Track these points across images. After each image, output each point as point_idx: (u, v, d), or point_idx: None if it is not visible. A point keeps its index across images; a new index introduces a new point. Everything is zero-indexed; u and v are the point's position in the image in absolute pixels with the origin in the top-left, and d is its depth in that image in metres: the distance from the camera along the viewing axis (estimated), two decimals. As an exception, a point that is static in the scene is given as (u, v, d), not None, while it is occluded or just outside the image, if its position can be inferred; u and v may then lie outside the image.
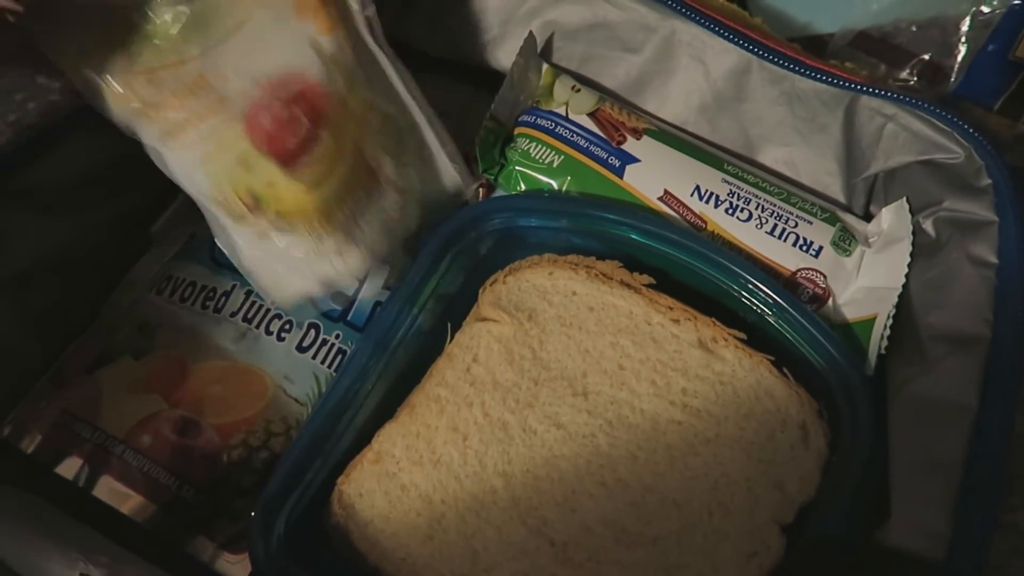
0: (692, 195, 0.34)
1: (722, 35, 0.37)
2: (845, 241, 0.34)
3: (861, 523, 0.28)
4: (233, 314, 0.36)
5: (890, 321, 0.32)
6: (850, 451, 0.28)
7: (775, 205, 0.34)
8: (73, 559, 0.25)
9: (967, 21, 0.41)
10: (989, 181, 0.32)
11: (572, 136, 0.36)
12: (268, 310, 0.36)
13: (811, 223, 0.34)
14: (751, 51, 0.37)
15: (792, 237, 0.34)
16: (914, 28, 0.42)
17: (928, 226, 0.34)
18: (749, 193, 0.35)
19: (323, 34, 0.31)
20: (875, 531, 0.28)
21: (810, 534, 0.27)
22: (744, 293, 0.30)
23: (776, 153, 0.39)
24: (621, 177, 0.35)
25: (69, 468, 0.33)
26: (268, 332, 0.36)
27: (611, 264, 0.32)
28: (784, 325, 0.30)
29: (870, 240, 0.35)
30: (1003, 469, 0.27)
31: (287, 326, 0.36)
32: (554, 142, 0.36)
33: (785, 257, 0.34)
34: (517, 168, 0.36)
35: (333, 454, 0.30)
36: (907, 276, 0.33)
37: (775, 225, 0.34)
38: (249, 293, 0.37)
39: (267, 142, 0.30)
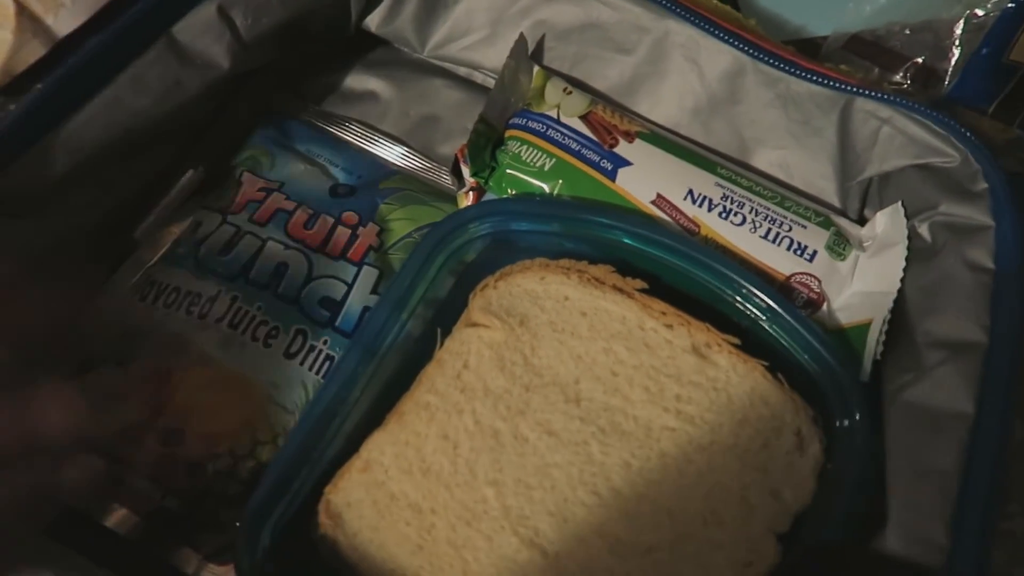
0: (685, 199, 0.34)
1: (717, 36, 0.37)
2: (839, 245, 0.34)
3: (857, 531, 0.27)
4: (218, 320, 0.36)
5: (885, 326, 0.32)
6: (846, 458, 0.28)
7: (769, 209, 0.34)
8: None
9: (960, 24, 0.41)
10: (985, 185, 0.32)
11: (564, 139, 0.36)
12: (254, 316, 0.36)
13: (805, 227, 0.34)
14: (746, 52, 0.37)
15: (786, 241, 0.33)
16: (907, 31, 0.42)
17: (924, 231, 0.34)
18: (743, 197, 0.34)
19: None
20: (872, 539, 0.27)
21: (805, 542, 0.27)
22: (738, 298, 0.30)
23: (770, 156, 0.39)
24: (613, 180, 0.34)
25: (47, 479, 0.32)
26: (254, 339, 0.35)
27: (604, 268, 0.31)
28: (778, 330, 0.29)
29: (865, 244, 0.35)
30: (1000, 478, 0.26)
31: (274, 332, 0.35)
32: (545, 145, 0.35)
33: (779, 261, 0.33)
34: (508, 171, 0.35)
35: (321, 463, 0.29)
36: (902, 281, 0.32)
37: (769, 229, 0.34)
38: (235, 299, 0.36)
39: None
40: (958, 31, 0.41)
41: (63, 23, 0.45)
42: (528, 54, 0.40)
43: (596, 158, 0.35)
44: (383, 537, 0.28)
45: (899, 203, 0.35)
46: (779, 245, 0.33)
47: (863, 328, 0.32)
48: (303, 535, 0.29)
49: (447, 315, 0.33)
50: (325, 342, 0.35)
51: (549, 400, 0.29)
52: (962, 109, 0.42)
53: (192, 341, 0.35)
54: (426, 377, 0.30)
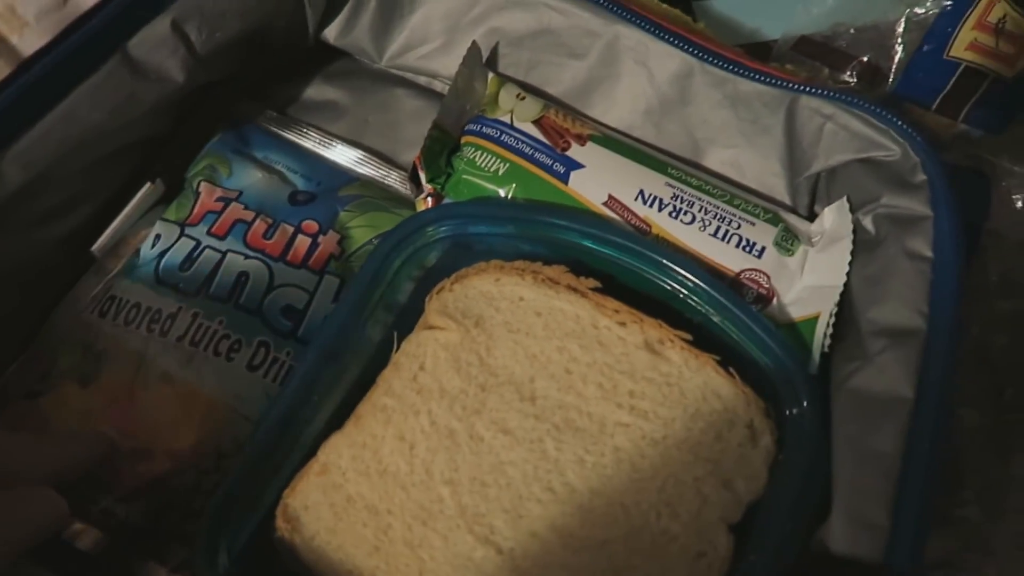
0: (636, 199, 0.34)
1: (665, 39, 0.38)
2: (787, 241, 0.35)
3: (808, 521, 0.28)
4: (180, 338, 0.35)
5: (832, 319, 0.32)
6: (796, 449, 0.28)
7: (718, 207, 0.35)
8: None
9: (902, 23, 0.42)
10: (924, 177, 0.33)
11: (517, 144, 0.36)
12: (216, 331, 0.36)
13: (754, 224, 0.35)
14: (693, 55, 0.37)
15: (735, 239, 0.34)
16: (853, 31, 0.43)
17: (868, 223, 0.34)
18: (692, 196, 0.35)
19: None
20: (819, 527, 0.28)
21: (757, 532, 0.27)
22: (689, 294, 0.31)
23: (722, 155, 0.40)
24: (566, 183, 0.35)
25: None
26: (216, 353, 0.35)
27: (558, 269, 0.32)
28: (729, 325, 0.30)
29: (813, 240, 0.36)
30: (938, 461, 0.27)
31: (236, 345, 0.35)
32: (500, 150, 0.36)
33: (729, 258, 0.34)
34: (464, 176, 0.36)
35: (282, 470, 0.29)
36: (848, 274, 0.33)
37: (718, 227, 0.34)
38: (196, 316, 0.36)
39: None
40: (900, 30, 0.42)
41: (28, 42, 0.45)
42: (482, 61, 0.40)
43: (549, 161, 0.35)
44: (340, 539, 0.28)
45: (844, 198, 0.35)
46: (728, 243, 0.34)
47: (812, 321, 0.33)
48: (268, 542, 0.29)
49: (408, 320, 0.33)
50: (288, 353, 0.36)
51: (504, 399, 0.29)
52: (908, 105, 0.43)
53: (154, 359, 0.35)
54: (383, 380, 0.31)
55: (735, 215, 0.35)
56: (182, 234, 0.39)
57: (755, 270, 0.34)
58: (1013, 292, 0.42)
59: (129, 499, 0.32)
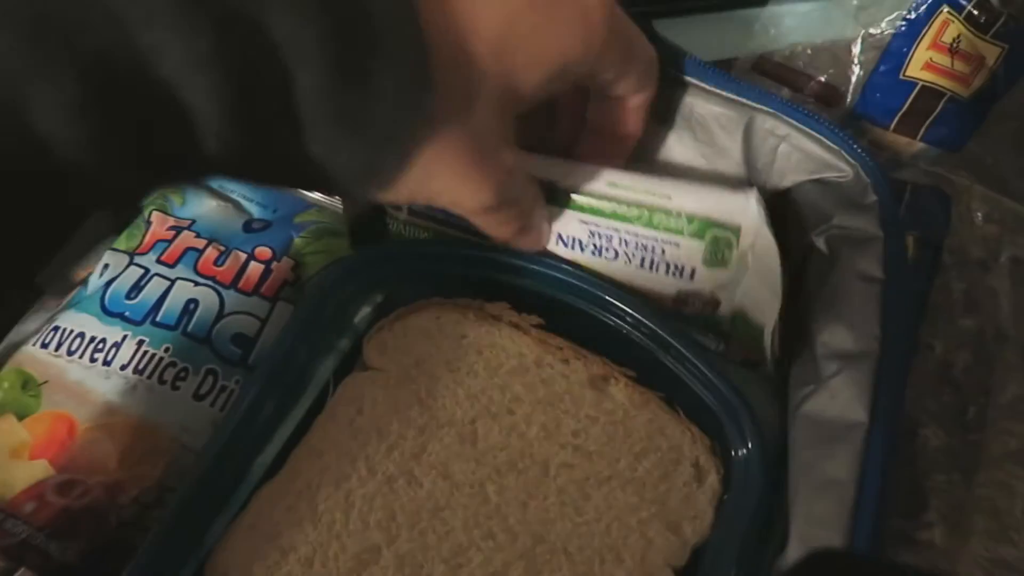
0: (557, 244, 0.33)
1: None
2: (718, 254, 0.33)
3: (753, 564, 0.27)
4: (123, 367, 0.35)
5: (776, 327, 0.32)
6: (742, 489, 0.28)
7: (637, 234, 0.33)
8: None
9: (859, 43, 0.42)
10: (875, 198, 0.33)
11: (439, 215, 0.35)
12: (161, 359, 0.35)
13: (678, 245, 0.33)
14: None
15: (663, 266, 0.33)
16: (809, 51, 0.42)
17: (822, 243, 0.34)
18: (609, 228, 0.33)
19: None
20: (777, 557, 0.27)
21: (702, 576, 0.27)
22: (632, 330, 0.30)
23: (681, 177, 0.39)
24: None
25: (-59, 544, 0.31)
26: (162, 381, 0.35)
27: (500, 306, 0.31)
28: (674, 361, 0.29)
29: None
30: (892, 486, 0.27)
31: (183, 373, 0.35)
32: (422, 222, 0.34)
33: (663, 284, 0.33)
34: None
35: (229, 507, 0.28)
36: (791, 284, 0.32)
37: (643, 258, 0.33)
38: (141, 343, 0.35)
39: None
40: (857, 50, 0.42)
41: None
42: None
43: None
44: (273, 595, 0.27)
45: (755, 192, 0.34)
46: (657, 272, 0.33)
47: (760, 325, 0.32)
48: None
49: (348, 361, 0.32)
50: (237, 381, 0.35)
51: (444, 443, 0.29)
52: (866, 124, 0.43)
53: (96, 390, 0.34)
54: (318, 425, 0.30)
55: (656, 239, 0.33)
56: (131, 263, 0.39)
57: (691, 291, 0.33)
58: (975, 309, 0.42)
59: (62, 536, 0.31)
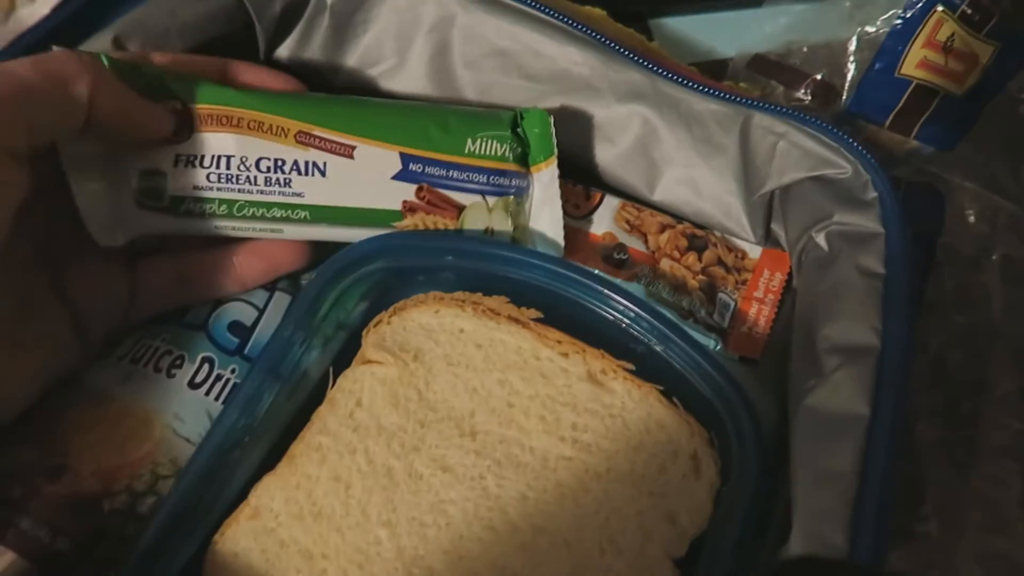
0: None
1: (619, 57, 0.37)
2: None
3: (750, 556, 0.27)
4: (120, 358, 0.35)
5: None
6: (741, 480, 0.28)
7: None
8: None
9: (854, 41, 0.42)
10: (875, 194, 0.33)
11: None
12: (157, 348, 0.35)
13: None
14: (647, 71, 0.37)
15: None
16: (805, 49, 0.43)
17: (821, 240, 0.34)
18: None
19: None
20: (779, 548, 0.28)
21: (702, 567, 0.27)
22: (631, 324, 0.30)
23: (679, 174, 0.39)
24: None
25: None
26: (157, 369, 0.34)
27: (498, 300, 0.31)
28: (671, 355, 0.29)
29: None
30: (894, 479, 0.27)
31: (178, 361, 0.34)
32: None
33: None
34: None
35: (211, 512, 0.29)
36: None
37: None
38: (141, 338, 0.35)
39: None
40: (852, 48, 0.42)
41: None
42: None
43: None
44: (273, 586, 0.27)
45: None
46: None
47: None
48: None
49: (347, 354, 0.32)
50: (233, 370, 0.35)
51: (444, 435, 0.29)
52: (861, 123, 0.43)
53: (89, 378, 0.34)
54: (318, 417, 0.30)
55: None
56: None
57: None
58: (968, 306, 0.42)
59: (54, 523, 0.31)
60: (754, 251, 0.38)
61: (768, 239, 0.39)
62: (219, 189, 0.31)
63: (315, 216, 0.32)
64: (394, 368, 0.30)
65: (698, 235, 0.38)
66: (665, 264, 0.37)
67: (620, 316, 0.30)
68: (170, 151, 0.31)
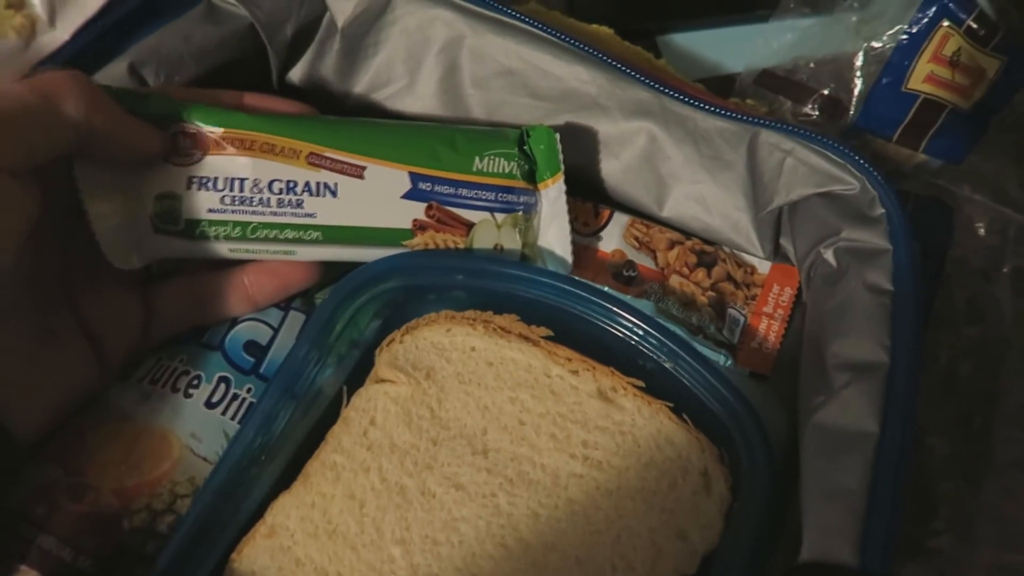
0: None
1: (625, 77, 0.38)
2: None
3: (767, 568, 0.27)
4: (140, 379, 0.35)
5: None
6: (751, 497, 0.28)
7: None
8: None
9: (860, 56, 0.42)
10: (882, 211, 0.33)
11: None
12: (175, 368, 0.35)
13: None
14: (654, 90, 0.37)
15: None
16: (812, 65, 0.43)
17: (829, 256, 0.34)
18: None
19: None
20: (789, 565, 0.28)
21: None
22: (640, 341, 0.30)
23: (687, 190, 0.40)
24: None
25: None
26: (175, 390, 0.35)
27: (509, 318, 0.31)
28: (681, 371, 0.30)
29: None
30: (904, 496, 0.27)
31: (195, 381, 0.35)
32: None
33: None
34: None
35: (228, 530, 0.29)
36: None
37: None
38: (160, 359, 0.36)
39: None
40: (858, 63, 0.42)
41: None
42: None
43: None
44: (289, 604, 0.28)
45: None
46: None
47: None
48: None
49: (360, 373, 0.33)
50: (249, 390, 0.35)
51: (456, 453, 0.29)
52: (869, 137, 0.43)
53: (110, 399, 0.35)
54: (332, 436, 0.30)
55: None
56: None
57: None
58: (978, 319, 0.42)
59: (76, 542, 0.32)
60: (763, 266, 0.39)
61: (777, 254, 0.39)
62: (233, 211, 0.32)
63: (327, 237, 0.33)
64: (407, 387, 0.31)
65: (707, 251, 0.38)
66: (674, 281, 0.37)
67: (629, 333, 0.31)
68: (184, 174, 0.32)
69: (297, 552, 0.28)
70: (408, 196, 0.34)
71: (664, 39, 0.49)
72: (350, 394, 0.32)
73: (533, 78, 0.40)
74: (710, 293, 0.37)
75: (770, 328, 0.37)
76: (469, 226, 0.34)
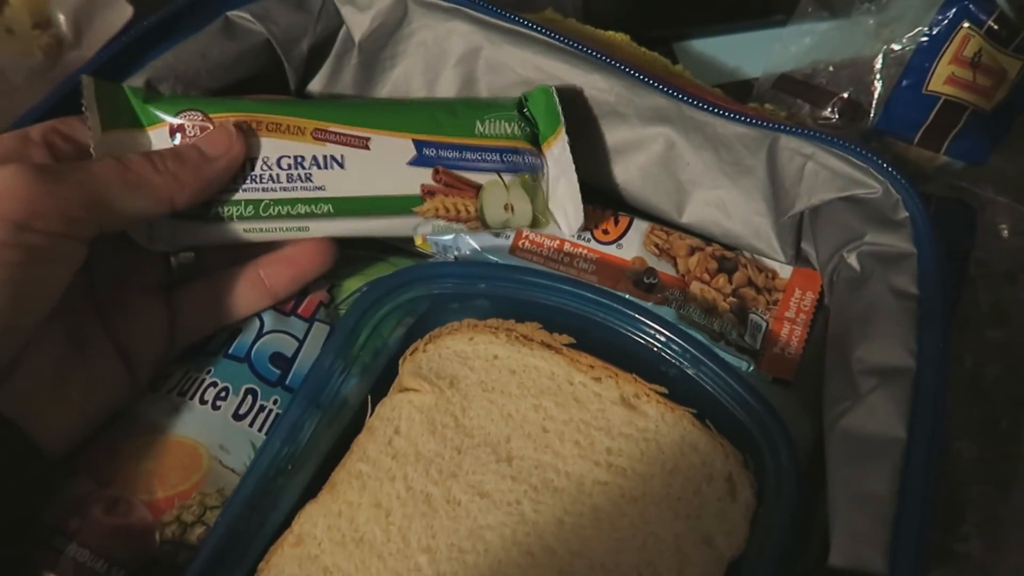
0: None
1: (643, 84, 0.38)
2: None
3: (794, 573, 0.27)
4: (169, 391, 0.36)
5: None
6: (777, 502, 0.28)
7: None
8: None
9: (880, 59, 0.42)
10: (906, 214, 0.33)
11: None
12: (203, 380, 0.36)
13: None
14: (673, 98, 0.37)
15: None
16: (831, 68, 0.43)
17: (852, 260, 0.34)
18: None
19: None
20: (817, 572, 0.28)
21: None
22: (663, 348, 0.30)
23: (707, 196, 0.40)
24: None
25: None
26: (203, 402, 0.35)
27: (531, 326, 0.32)
28: (703, 377, 0.30)
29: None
30: (933, 501, 0.27)
31: (223, 393, 0.36)
32: None
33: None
34: None
35: (256, 541, 0.29)
36: None
37: None
38: (187, 371, 0.36)
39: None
40: (878, 66, 0.42)
41: (18, 105, 0.46)
42: None
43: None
44: (317, 612, 0.28)
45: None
46: None
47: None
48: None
49: (385, 383, 0.33)
50: (275, 401, 0.36)
51: (480, 461, 0.29)
52: (890, 139, 0.43)
53: (140, 412, 0.35)
54: (357, 445, 0.31)
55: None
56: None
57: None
58: (1004, 321, 0.42)
59: (109, 554, 0.32)
60: (784, 271, 0.39)
61: (799, 259, 0.39)
62: (244, 190, 0.33)
63: (338, 209, 0.33)
64: (430, 395, 0.31)
65: (728, 257, 0.38)
66: (695, 287, 0.37)
67: (651, 340, 0.31)
68: None
69: (324, 561, 0.28)
70: (414, 163, 0.34)
71: (681, 45, 0.49)
72: (375, 403, 0.32)
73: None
74: (731, 299, 0.37)
75: (792, 333, 0.37)
76: (477, 188, 0.35)
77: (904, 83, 0.42)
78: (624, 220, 0.39)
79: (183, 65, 0.38)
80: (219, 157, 0.31)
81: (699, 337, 0.31)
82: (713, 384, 0.30)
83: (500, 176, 0.35)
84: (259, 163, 0.33)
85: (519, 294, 0.32)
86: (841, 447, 0.29)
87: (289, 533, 0.29)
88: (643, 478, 0.29)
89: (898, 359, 0.29)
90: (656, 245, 0.38)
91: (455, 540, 0.28)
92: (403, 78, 0.43)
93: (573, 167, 0.36)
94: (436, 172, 0.34)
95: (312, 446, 0.31)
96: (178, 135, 0.33)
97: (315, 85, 0.44)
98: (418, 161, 0.34)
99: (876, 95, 0.43)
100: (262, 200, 0.33)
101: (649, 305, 0.34)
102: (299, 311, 0.38)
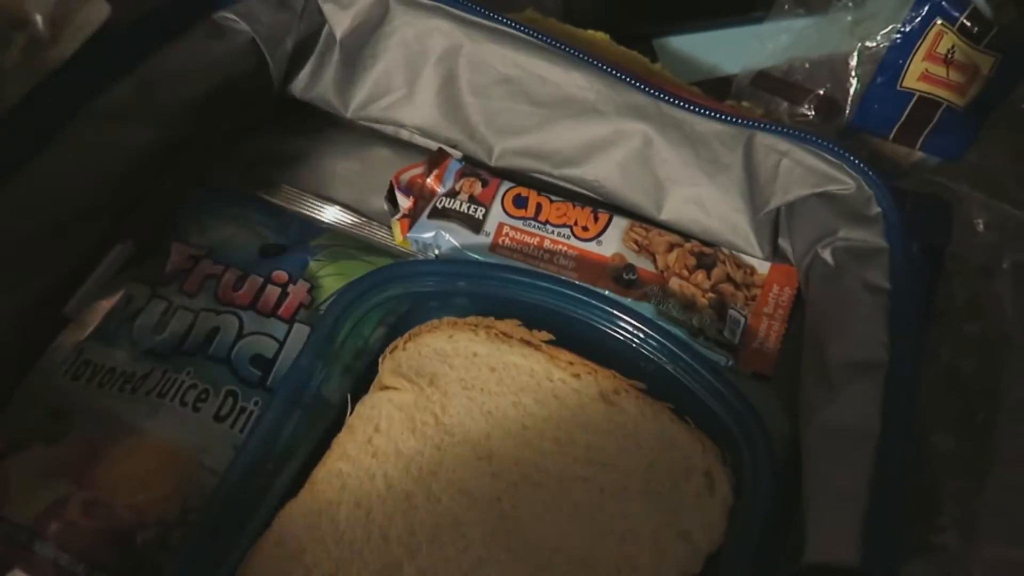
0: None
1: (622, 82, 0.38)
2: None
3: (767, 571, 0.28)
4: (148, 393, 0.36)
5: None
6: (754, 497, 0.28)
7: None
8: None
9: (855, 56, 0.42)
10: (879, 210, 0.33)
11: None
12: (183, 381, 0.36)
13: None
14: (650, 96, 0.38)
15: None
16: (807, 65, 0.43)
17: (827, 255, 0.35)
18: None
19: None
20: (793, 565, 0.28)
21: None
22: (641, 344, 0.31)
23: (685, 193, 0.40)
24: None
25: (-27, 566, 0.32)
26: (183, 404, 0.35)
27: (511, 323, 0.32)
28: (681, 372, 0.30)
29: None
30: (906, 495, 0.27)
31: (203, 395, 0.35)
32: None
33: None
34: None
35: (245, 529, 0.29)
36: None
37: None
38: (166, 372, 0.36)
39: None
40: (853, 63, 0.42)
41: None
42: None
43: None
44: (298, 611, 0.28)
45: None
46: None
47: None
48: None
49: (365, 381, 0.33)
50: (256, 403, 0.35)
51: (460, 458, 0.30)
52: (866, 136, 0.43)
53: (121, 415, 0.35)
54: (337, 444, 0.31)
55: None
56: (153, 295, 0.39)
57: None
58: (979, 315, 0.43)
59: (90, 558, 0.32)
60: (763, 267, 0.39)
61: (776, 255, 0.39)
62: None
63: None
64: (410, 393, 0.31)
65: (707, 253, 0.39)
66: (674, 283, 0.37)
67: (630, 336, 0.31)
68: None
69: (305, 560, 0.28)
70: None
71: (660, 42, 0.49)
72: (355, 402, 0.32)
73: (531, 85, 0.40)
74: (710, 295, 0.37)
75: (771, 328, 0.37)
76: None
77: (879, 80, 0.42)
78: (604, 217, 0.39)
79: (171, 65, 0.38)
80: None
81: (678, 333, 0.31)
82: (691, 380, 0.30)
83: None
84: None
85: (499, 291, 0.32)
86: (816, 441, 0.30)
87: (270, 533, 0.29)
88: (622, 473, 0.29)
89: (871, 353, 0.30)
90: (636, 242, 0.38)
91: (435, 537, 0.28)
92: (384, 76, 0.43)
93: None
94: None
95: (293, 446, 0.31)
96: None
97: (298, 83, 0.44)
98: None
99: (852, 92, 0.43)
100: None
101: (628, 301, 0.34)
102: (279, 312, 0.38)
